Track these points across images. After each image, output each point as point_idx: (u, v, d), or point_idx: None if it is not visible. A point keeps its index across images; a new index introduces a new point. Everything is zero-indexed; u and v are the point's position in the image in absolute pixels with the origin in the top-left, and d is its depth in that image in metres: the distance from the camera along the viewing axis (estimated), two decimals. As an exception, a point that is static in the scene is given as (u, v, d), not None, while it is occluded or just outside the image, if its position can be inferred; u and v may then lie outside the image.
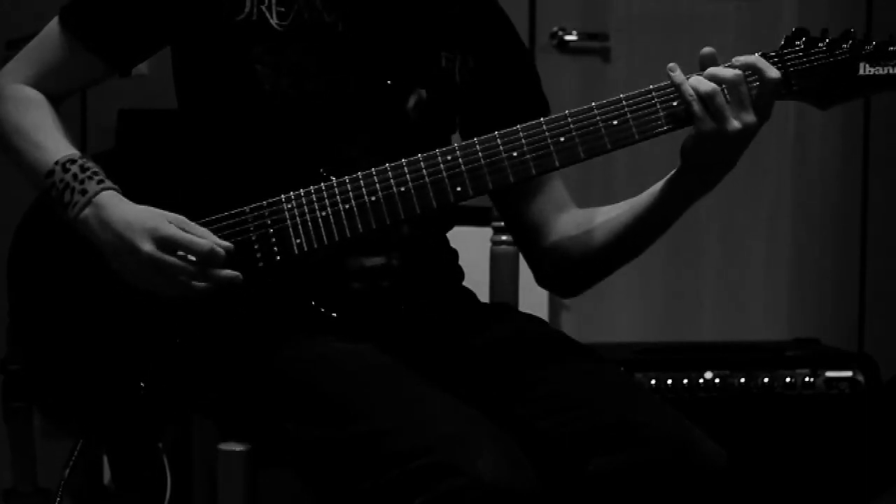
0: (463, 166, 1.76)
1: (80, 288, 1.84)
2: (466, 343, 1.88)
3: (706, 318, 3.71)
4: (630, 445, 1.71)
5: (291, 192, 1.79)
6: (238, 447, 1.84)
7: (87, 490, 2.98)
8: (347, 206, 1.78)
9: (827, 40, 1.77)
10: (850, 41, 1.77)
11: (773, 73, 1.73)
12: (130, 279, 1.77)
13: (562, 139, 1.76)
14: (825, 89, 1.77)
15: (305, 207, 1.79)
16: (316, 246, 1.78)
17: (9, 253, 1.89)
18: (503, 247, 2.35)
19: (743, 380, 3.07)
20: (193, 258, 1.72)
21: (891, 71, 1.76)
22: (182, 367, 1.81)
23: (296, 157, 1.82)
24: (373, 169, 1.77)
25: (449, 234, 2.01)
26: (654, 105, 1.75)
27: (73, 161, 1.79)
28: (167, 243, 1.72)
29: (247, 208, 1.79)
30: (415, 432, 1.62)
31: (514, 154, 1.76)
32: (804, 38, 1.77)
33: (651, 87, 1.76)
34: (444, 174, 1.76)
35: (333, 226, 1.78)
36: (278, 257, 1.79)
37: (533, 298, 2.41)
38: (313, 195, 1.79)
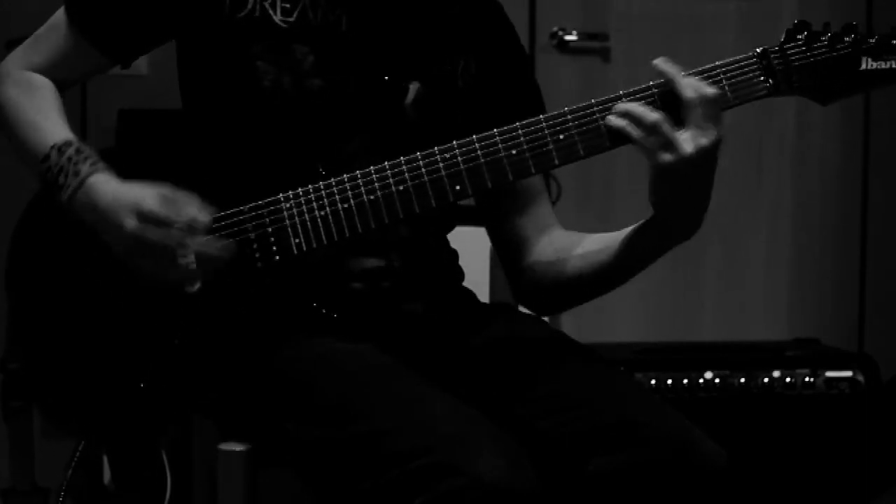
0: (462, 164, 1.76)
1: (80, 287, 1.84)
2: (466, 343, 1.88)
3: (706, 318, 3.71)
4: (630, 445, 1.71)
5: (290, 192, 1.78)
6: (238, 447, 1.84)
7: (87, 490, 2.98)
8: (346, 206, 1.77)
9: (829, 35, 1.76)
10: (853, 35, 1.76)
11: (711, 89, 1.71)
12: (123, 259, 1.77)
13: (561, 137, 1.75)
14: (826, 84, 1.76)
15: (304, 207, 1.78)
16: (315, 246, 1.78)
17: (8, 252, 1.89)
18: (503, 247, 2.35)
19: (743, 380, 3.07)
20: (173, 232, 1.71)
21: (893, 65, 1.75)
22: (182, 367, 1.81)
23: (295, 154, 1.82)
24: (371, 168, 1.77)
25: (449, 234, 2.01)
26: (655, 100, 1.74)
27: (69, 144, 1.79)
28: (148, 217, 1.72)
29: (245, 207, 1.79)
30: (415, 432, 1.62)
31: (514, 152, 1.75)
32: (806, 33, 1.76)
33: (651, 82, 1.75)
34: (443, 173, 1.76)
35: (332, 225, 1.78)
36: (277, 257, 1.79)
37: (533, 298, 2.40)
38: (312, 194, 1.78)
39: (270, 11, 1.84)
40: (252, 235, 1.79)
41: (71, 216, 1.79)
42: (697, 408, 3.00)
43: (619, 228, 1.87)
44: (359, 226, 1.77)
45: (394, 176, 1.76)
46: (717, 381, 3.06)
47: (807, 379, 3.08)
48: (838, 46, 1.75)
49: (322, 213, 1.78)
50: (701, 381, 3.06)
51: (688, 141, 1.69)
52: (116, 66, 1.92)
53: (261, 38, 1.83)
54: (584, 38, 3.59)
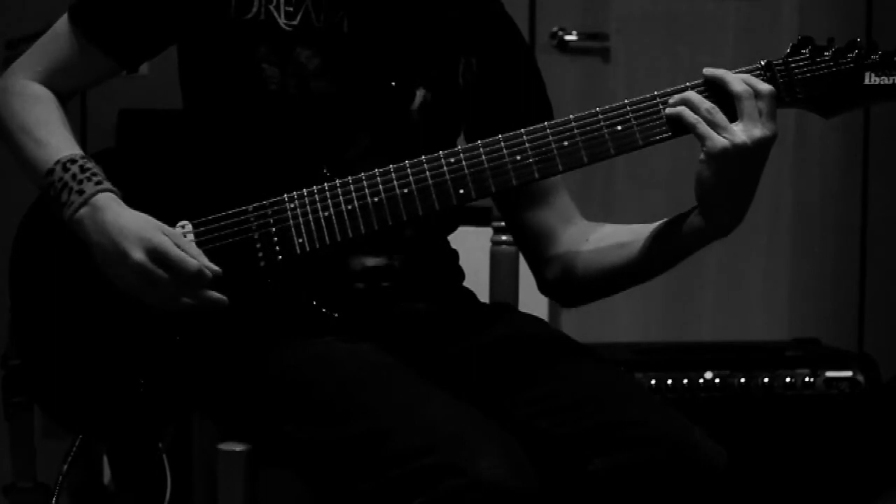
0: (466, 169, 1.76)
1: (81, 286, 1.84)
2: (466, 343, 1.88)
3: (706, 318, 3.71)
4: (630, 445, 1.71)
5: (294, 192, 1.79)
6: (238, 447, 1.84)
7: (86, 489, 2.98)
8: (350, 207, 1.78)
9: (832, 49, 1.77)
10: (856, 50, 1.76)
11: (764, 85, 1.72)
12: (117, 283, 1.77)
13: (565, 143, 1.76)
14: (830, 98, 1.77)
15: (308, 207, 1.79)
16: (318, 246, 1.78)
17: (11, 251, 1.90)
18: (503, 247, 2.35)
19: (743, 380, 3.06)
20: (180, 277, 1.72)
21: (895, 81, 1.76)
22: (182, 365, 1.81)
23: (299, 156, 1.82)
24: (376, 170, 1.77)
25: (449, 235, 2.01)
26: (660, 112, 1.74)
27: (73, 161, 1.79)
28: (158, 256, 1.72)
29: (249, 207, 1.79)
30: (415, 432, 1.62)
31: (518, 157, 1.76)
32: (810, 47, 1.77)
33: (656, 92, 1.76)
34: (448, 176, 1.76)
35: (336, 226, 1.78)
36: (280, 257, 1.79)
37: (533, 298, 2.41)
38: (316, 195, 1.79)
39: (275, 14, 1.84)
40: (255, 235, 1.79)
41: (72, 233, 1.78)
42: (697, 408, 3.00)
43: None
44: (362, 227, 1.77)
45: (398, 179, 1.77)
46: (717, 381, 3.06)
47: (807, 379, 3.08)
48: (842, 61, 1.76)
49: (326, 213, 1.78)
50: (701, 381, 3.06)
51: (741, 131, 1.70)
52: (122, 71, 1.91)
53: (265, 40, 1.83)
54: (584, 38, 3.59)
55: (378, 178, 1.77)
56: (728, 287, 3.72)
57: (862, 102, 1.78)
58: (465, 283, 2.02)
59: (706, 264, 3.69)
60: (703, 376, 3.06)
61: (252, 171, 1.83)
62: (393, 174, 1.77)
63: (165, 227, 1.75)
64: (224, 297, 1.75)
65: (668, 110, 1.74)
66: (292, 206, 1.79)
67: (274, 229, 1.79)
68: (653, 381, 3.04)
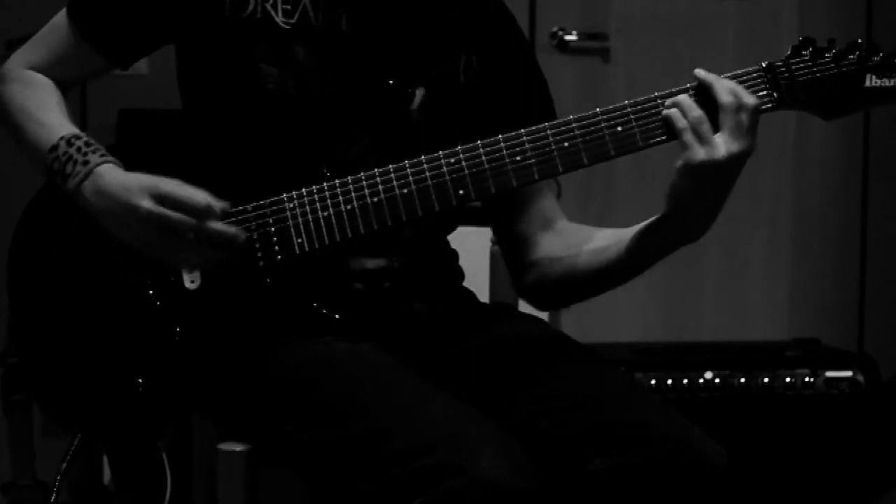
0: (466, 169, 1.76)
1: (80, 284, 1.84)
2: (467, 343, 1.88)
3: (706, 318, 3.72)
4: (630, 445, 1.71)
5: (293, 192, 1.79)
6: (238, 447, 1.83)
7: (86, 489, 2.98)
8: (349, 207, 1.78)
9: (833, 51, 1.77)
10: (857, 52, 1.76)
11: (751, 99, 1.72)
12: (132, 241, 1.77)
13: (566, 144, 1.76)
14: (830, 100, 1.77)
15: (307, 207, 1.79)
16: (317, 245, 1.78)
17: (9, 247, 1.90)
18: (503, 247, 2.35)
19: (743, 380, 3.07)
20: (191, 213, 1.73)
21: None
22: (182, 365, 1.81)
23: (298, 156, 1.82)
24: (375, 170, 1.77)
25: (449, 235, 2.01)
26: (660, 112, 1.74)
27: (78, 137, 1.81)
28: (165, 199, 1.73)
29: (248, 207, 1.79)
30: (415, 432, 1.62)
31: (518, 158, 1.76)
32: (811, 49, 1.77)
33: (657, 93, 1.76)
34: (447, 177, 1.76)
35: (335, 226, 1.78)
36: (279, 256, 1.79)
37: (533, 298, 2.41)
38: (315, 195, 1.79)
39: (272, 12, 1.84)
40: (255, 234, 1.79)
41: (76, 204, 1.79)
42: (697, 408, 3.00)
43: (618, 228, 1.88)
44: (361, 227, 1.77)
45: (398, 179, 1.77)
46: (717, 381, 3.06)
47: (807, 379, 3.08)
48: (843, 63, 1.76)
49: (325, 213, 1.78)
50: (701, 381, 3.06)
51: (722, 144, 1.70)
52: (116, 68, 1.92)
53: (263, 39, 1.83)
54: (584, 38, 3.59)
55: (378, 179, 1.77)
56: (728, 287, 3.73)
57: (863, 105, 1.77)
58: (465, 283, 2.02)
59: (706, 264, 3.69)
60: (703, 376, 3.06)
61: (251, 171, 1.83)
62: (392, 174, 1.77)
63: (164, 178, 1.76)
64: (239, 230, 1.75)
65: (663, 112, 1.74)
66: (291, 205, 1.79)
67: (273, 229, 1.79)
68: (653, 381, 3.05)
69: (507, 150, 1.76)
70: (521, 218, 1.96)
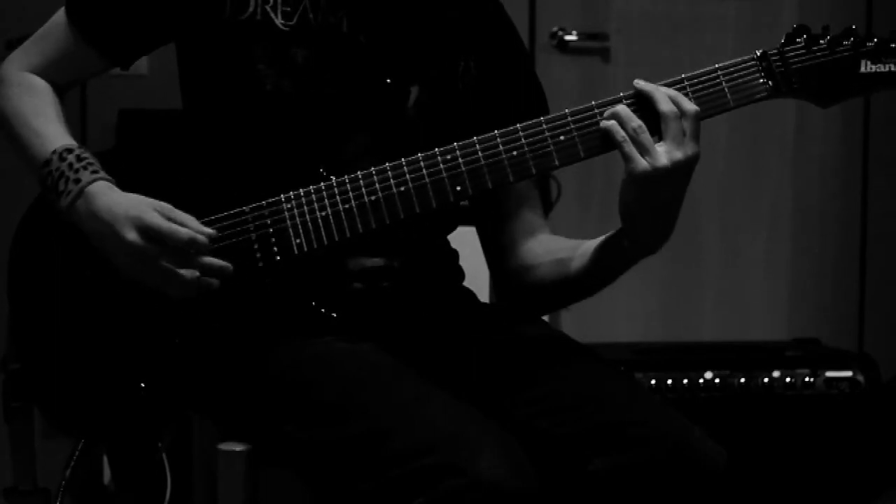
0: (463, 166, 1.76)
1: (80, 289, 1.84)
2: (467, 343, 1.88)
3: (706, 318, 3.72)
4: (630, 445, 1.71)
5: (291, 192, 1.79)
6: (238, 447, 1.83)
7: (87, 490, 2.98)
8: (347, 207, 1.78)
9: (828, 37, 1.77)
10: (852, 38, 1.76)
11: (689, 104, 1.72)
12: (121, 269, 1.77)
13: (562, 138, 1.76)
14: (826, 87, 1.76)
15: (305, 207, 1.79)
16: (316, 246, 1.78)
17: (9, 252, 1.89)
18: (503, 247, 2.35)
19: (743, 380, 3.07)
20: (177, 248, 1.72)
21: (892, 68, 1.75)
22: (182, 367, 1.81)
23: (296, 156, 1.82)
24: (372, 169, 1.77)
25: (449, 235, 2.01)
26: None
27: (69, 151, 1.79)
28: (150, 233, 1.73)
29: (246, 208, 1.79)
30: (415, 432, 1.62)
31: (514, 153, 1.76)
32: (805, 36, 1.77)
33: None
34: (444, 174, 1.76)
35: (333, 226, 1.78)
36: (278, 257, 1.79)
37: (533, 298, 2.41)
38: (313, 195, 1.78)
39: (272, 14, 1.84)
40: (253, 235, 1.79)
41: (69, 223, 1.79)
42: (697, 408, 3.00)
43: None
44: (360, 226, 1.77)
45: (395, 177, 1.77)
46: (717, 381, 3.06)
47: (807, 379, 3.08)
48: (838, 49, 1.76)
49: (323, 213, 1.78)
50: (701, 381, 3.06)
51: (665, 154, 1.70)
52: (116, 67, 1.92)
53: (262, 40, 1.83)
54: (584, 38, 3.59)
55: (375, 177, 1.77)
56: (728, 287, 3.72)
57: (859, 91, 1.77)
58: (465, 283, 2.02)
59: (706, 264, 3.69)
60: (703, 376, 3.06)
61: (249, 172, 1.83)
62: (389, 173, 1.77)
63: (156, 202, 1.75)
64: (226, 263, 1.75)
65: (601, 123, 1.73)
66: (289, 206, 1.79)
67: (271, 230, 1.79)
68: (653, 381, 3.05)
69: (503, 145, 1.76)
70: (505, 225, 1.97)
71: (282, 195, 1.79)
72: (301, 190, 1.79)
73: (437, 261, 1.97)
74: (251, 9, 1.84)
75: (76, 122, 3.22)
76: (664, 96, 1.72)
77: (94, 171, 1.78)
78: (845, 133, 3.74)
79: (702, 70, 1.76)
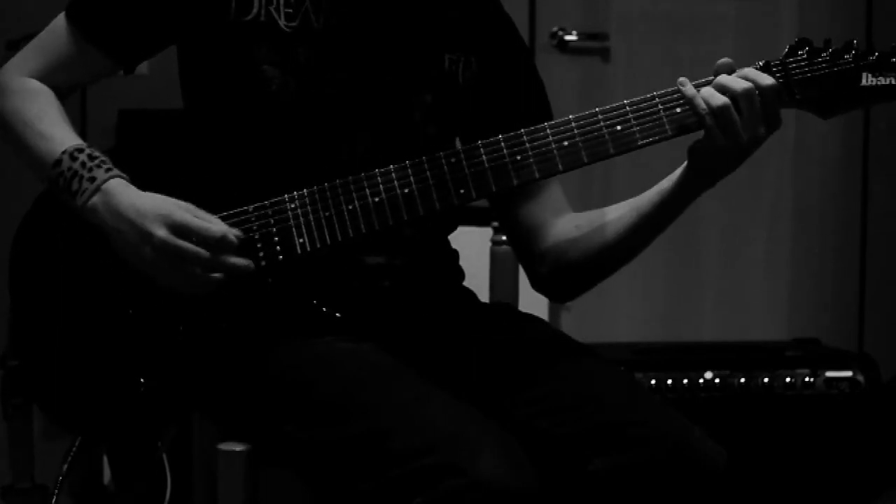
0: (467, 169, 1.77)
1: (80, 286, 1.84)
2: (467, 343, 1.88)
3: (706, 318, 3.72)
4: (630, 445, 1.71)
5: (295, 192, 1.79)
6: (238, 447, 1.84)
7: (86, 489, 2.98)
8: (351, 207, 1.78)
9: (830, 50, 1.78)
10: (853, 52, 1.77)
11: (767, 80, 1.74)
12: (141, 267, 1.77)
13: (565, 143, 1.76)
14: (827, 99, 1.78)
15: (309, 207, 1.79)
16: (319, 246, 1.79)
17: (10, 250, 1.89)
18: (503, 247, 2.35)
19: (743, 380, 3.06)
20: (207, 245, 1.73)
21: (893, 81, 1.77)
22: (182, 365, 1.81)
23: (300, 157, 1.82)
24: (377, 170, 1.78)
25: (450, 235, 2.01)
26: (659, 112, 1.75)
27: (80, 150, 1.79)
28: (181, 229, 1.73)
29: (249, 207, 1.80)
30: (416, 432, 1.62)
31: (518, 157, 1.77)
32: (807, 48, 1.78)
33: (655, 93, 1.76)
34: (448, 176, 1.77)
35: (336, 226, 1.78)
36: (281, 256, 1.79)
37: (533, 298, 2.41)
38: (317, 195, 1.79)
39: (275, 15, 1.84)
40: (256, 235, 1.79)
41: (85, 221, 1.79)
42: (697, 408, 3.00)
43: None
44: (363, 227, 1.78)
45: (399, 179, 1.77)
46: (717, 381, 3.06)
47: (807, 379, 3.08)
48: (839, 62, 1.77)
49: (326, 213, 1.78)
50: (701, 381, 3.06)
51: (743, 130, 1.73)
52: (119, 70, 1.91)
53: (266, 41, 1.83)
54: (584, 38, 3.59)
55: (379, 179, 1.78)
56: (728, 287, 3.73)
57: (859, 103, 1.79)
58: (465, 283, 2.02)
59: (706, 264, 3.69)
60: (703, 376, 3.06)
61: (253, 172, 1.83)
62: (394, 174, 1.77)
63: (181, 202, 1.76)
64: (251, 262, 1.75)
65: (690, 95, 1.74)
66: (293, 206, 1.79)
67: (275, 229, 1.79)
68: (653, 381, 3.04)
69: (507, 149, 1.76)
70: (530, 207, 1.96)
71: (285, 195, 1.79)
72: (305, 190, 1.79)
73: (438, 261, 1.97)
74: (255, 10, 1.84)
75: (76, 122, 3.19)
76: (734, 79, 1.74)
77: (108, 169, 1.78)
78: (845, 133, 3.74)
79: (704, 80, 1.77)
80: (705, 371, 3.07)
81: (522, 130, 1.77)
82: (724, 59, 1.78)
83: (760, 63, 1.77)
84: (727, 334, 3.65)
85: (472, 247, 2.06)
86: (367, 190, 1.78)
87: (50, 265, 1.87)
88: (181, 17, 1.84)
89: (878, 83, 1.77)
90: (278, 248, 1.79)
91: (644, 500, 1.73)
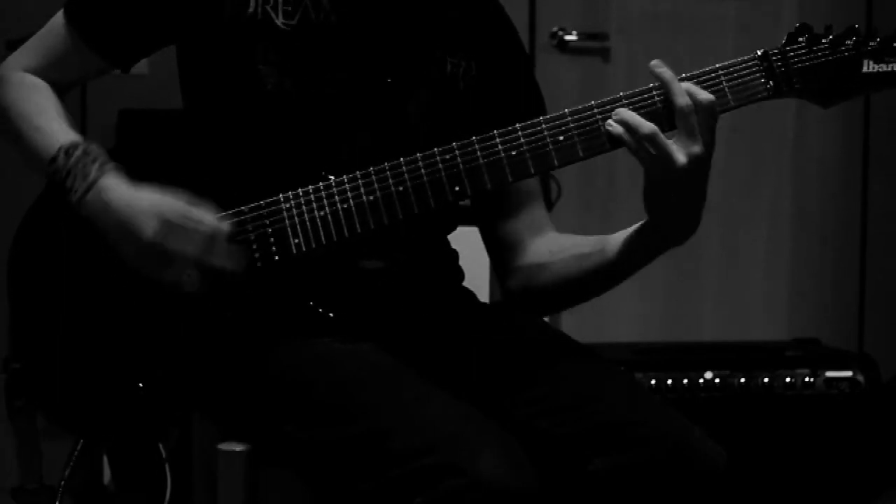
0: (461, 165, 1.76)
1: (80, 288, 1.84)
2: (466, 343, 1.87)
3: (706, 318, 3.72)
4: (630, 445, 1.71)
5: (290, 192, 1.79)
6: (238, 447, 1.83)
7: (87, 490, 2.98)
8: (346, 206, 1.78)
9: (830, 37, 1.76)
10: (854, 38, 1.75)
11: (705, 96, 1.70)
12: (133, 263, 1.77)
13: (561, 138, 1.75)
14: (828, 86, 1.75)
15: (304, 207, 1.78)
16: (314, 246, 1.78)
17: (10, 252, 1.89)
18: (503, 247, 2.34)
19: (743, 380, 3.07)
20: (195, 244, 1.72)
21: (895, 67, 1.74)
22: (181, 366, 1.81)
23: (296, 156, 1.82)
24: (371, 168, 1.77)
25: (450, 235, 2.01)
26: (655, 103, 1.74)
27: (76, 146, 1.80)
28: (172, 224, 1.73)
29: (245, 208, 1.79)
30: (415, 432, 1.62)
31: (513, 153, 1.76)
32: (807, 35, 1.76)
33: (652, 85, 1.75)
34: (443, 174, 1.76)
35: (332, 226, 1.78)
36: (276, 257, 1.79)
37: (533, 298, 2.42)
38: (312, 195, 1.78)
39: (272, 14, 1.84)
40: (252, 236, 1.79)
41: (80, 218, 1.79)
42: (697, 408, 3.00)
43: (619, 229, 1.87)
44: (358, 226, 1.77)
45: (393, 177, 1.77)
46: (717, 381, 3.06)
47: (807, 379, 3.08)
48: (840, 49, 1.75)
49: (321, 213, 1.78)
50: (701, 381, 3.06)
51: (680, 150, 1.70)
52: (116, 69, 1.92)
53: (263, 40, 1.83)
54: (584, 38, 3.59)
55: (373, 177, 1.77)
56: (727, 287, 3.73)
57: (861, 90, 1.76)
58: (465, 283, 2.02)
59: (706, 264, 3.69)
60: (703, 376, 3.06)
61: (250, 171, 1.83)
62: (388, 172, 1.77)
63: (174, 199, 1.75)
64: (239, 262, 1.75)
65: (609, 128, 1.72)
66: (288, 206, 1.79)
67: (270, 230, 1.79)
68: (653, 381, 3.05)
69: (502, 144, 1.76)
70: (510, 223, 1.96)
71: (280, 195, 1.79)
72: (300, 190, 1.79)
73: (437, 261, 1.97)
74: (252, 9, 1.84)
75: (76, 121, 3.21)
76: (681, 90, 1.71)
77: (102, 166, 1.78)
78: (845, 133, 3.74)
79: (702, 70, 1.75)
80: (705, 371, 3.07)
81: (517, 125, 1.75)
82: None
83: (759, 52, 1.75)
84: (727, 334, 3.65)
85: (472, 247, 2.06)
86: (361, 189, 1.77)
87: (49, 267, 1.87)
88: (177, 16, 1.84)
89: (880, 69, 1.74)
90: (274, 248, 1.79)
91: (644, 500, 1.72)
